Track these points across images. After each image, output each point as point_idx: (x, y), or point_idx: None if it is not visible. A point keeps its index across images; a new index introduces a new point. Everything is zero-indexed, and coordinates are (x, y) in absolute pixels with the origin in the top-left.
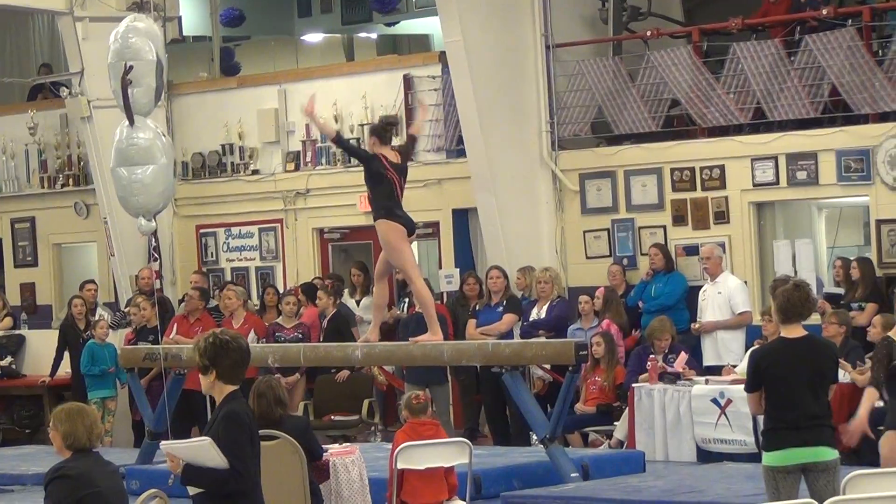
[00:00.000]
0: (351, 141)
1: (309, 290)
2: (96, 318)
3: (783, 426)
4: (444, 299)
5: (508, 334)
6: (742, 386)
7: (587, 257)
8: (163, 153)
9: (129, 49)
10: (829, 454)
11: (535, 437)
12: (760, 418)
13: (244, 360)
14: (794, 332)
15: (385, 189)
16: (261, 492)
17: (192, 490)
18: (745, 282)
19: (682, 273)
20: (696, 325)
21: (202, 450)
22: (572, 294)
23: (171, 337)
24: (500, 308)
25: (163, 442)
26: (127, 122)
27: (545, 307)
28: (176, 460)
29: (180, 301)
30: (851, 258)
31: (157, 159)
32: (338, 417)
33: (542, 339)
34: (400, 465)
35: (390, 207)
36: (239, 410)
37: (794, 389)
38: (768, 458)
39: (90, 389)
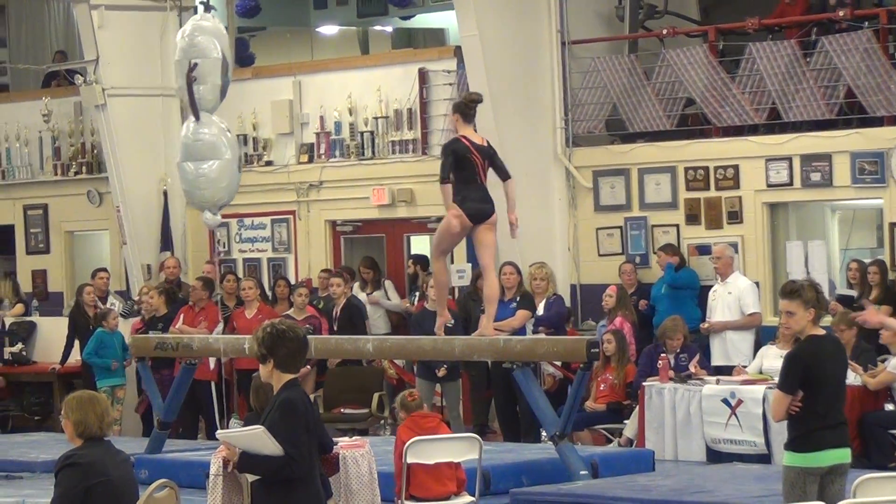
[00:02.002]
0: (443, 168)
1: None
2: (108, 306)
3: (822, 426)
4: (456, 294)
5: (521, 330)
6: (754, 387)
7: (599, 255)
8: (228, 148)
9: (195, 47)
10: (850, 456)
11: (544, 434)
12: (771, 420)
13: (301, 350)
14: (818, 330)
15: (466, 173)
16: (318, 478)
17: (251, 477)
18: (757, 283)
19: (690, 269)
20: (706, 325)
21: (256, 438)
22: (584, 291)
23: (176, 327)
24: (514, 304)
25: (219, 431)
26: (193, 118)
27: (542, 304)
28: (232, 449)
29: None
30: (866, 260)
31: (222, 154)
32: (347, 410)
33: (554, 336)
34: (410, 460)
35: (465, 195)
36: (294, 398)
37: (831, 389)
38: (802, 459)
39: (98, 378)
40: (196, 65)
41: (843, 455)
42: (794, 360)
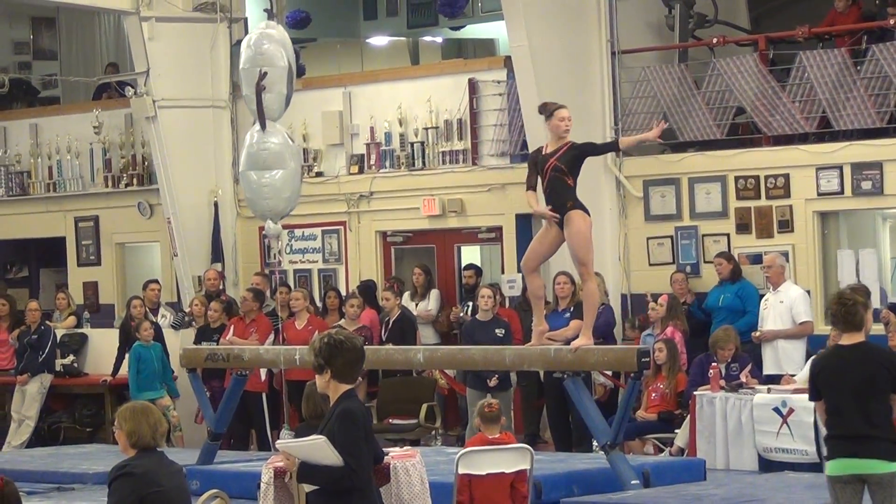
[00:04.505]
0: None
1: (365, 292)
2: (158, 318)
3: (835, 435)
4: (507, 304)
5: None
6: (805, 395)
7: (650, 264)
8: (292, 158)
9: (263, 56)
10: (883, 467)
11: (596, 443)
12: (822, 429)
13: (358, 360)
14: (850, 339)
15: (577, 179)
16: (375, 488)
17: (307, 487)
18: (808, 291)
19: (749, 280)
20: (757, 334)
21: (317, 448)
22: (634, 301)
23: (227, 338)
24: (567, 314)
25: (278, 441)
26: (258, 127)
27: None
28: (291, 459)
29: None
30: None
31: (287, 164)
32: (396, 421)
33: (604, 346)
34: (461, 470)
35: (578, 198)
36: (353, 409)
37: (841, 397)
38: (827, 466)
39: (136, 391)
40: (266, 73)
41: (861, 466)
42: (809, 369)
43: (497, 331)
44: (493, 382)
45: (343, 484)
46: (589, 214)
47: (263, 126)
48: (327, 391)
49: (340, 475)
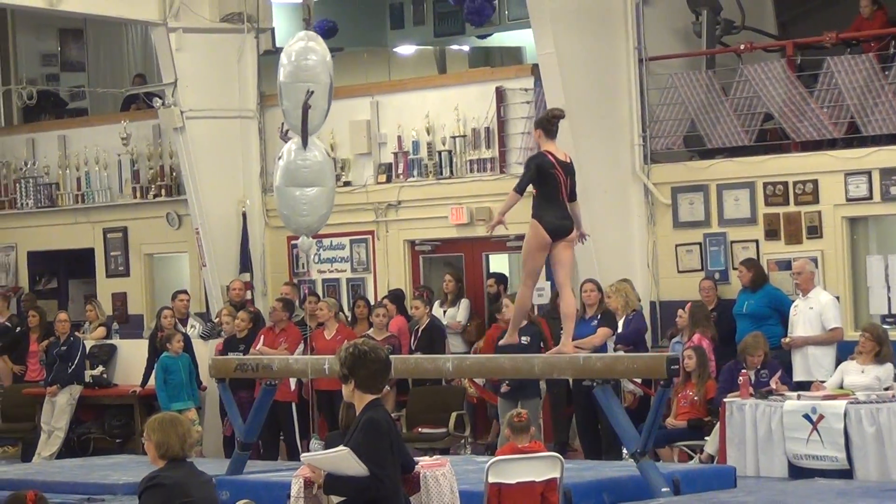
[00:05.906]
0: (521, 180)
1: (395, 299)
2: (187, 328)
3: None
4: (536, 311)
5: (602, 348)
6: (835, 402)
7: (679, 271)
8: (330, 175)
9: (308, 72)
10: None
11: (626, 451)
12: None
13: (383, 370)
14: None
15: (548, 189)
16: (403, 497)
17: (334, 499)
18: (838, 297)
19: (775, 287)
20: (787, 340)
21: (342, 459)
22: (663, 308)
23: (257, 348)
24: (595, 322)
25: (303, 454)
26: (296, 143)
27: (621, 322)
28: (317, 471)
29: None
30: None
31: (326, 181)
32: (425, 430)
33: (634, 354)
34: (491, 479)
35: (546, 209)
36: (378, 418)
37: None
38: None
39: (166, 402)
40: (313, 92)
41: None
42: None
43: (522, 338)
44: (503, 388)
45: (370, 494)
46: (543, 224)
47: (306, 143)
48: (352, 400)
49: (366, 485)
